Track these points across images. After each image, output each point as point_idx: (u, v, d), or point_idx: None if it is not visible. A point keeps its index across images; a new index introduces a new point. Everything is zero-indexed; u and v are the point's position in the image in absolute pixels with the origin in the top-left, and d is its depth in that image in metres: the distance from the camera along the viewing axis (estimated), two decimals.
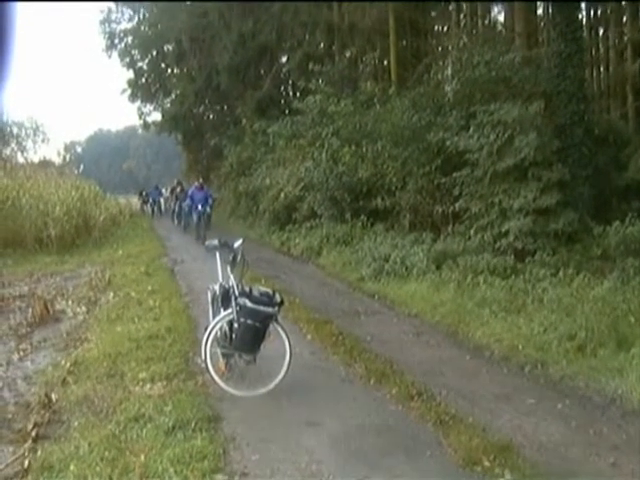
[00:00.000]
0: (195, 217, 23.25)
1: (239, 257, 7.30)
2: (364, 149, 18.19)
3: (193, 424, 5.68)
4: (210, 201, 23.24)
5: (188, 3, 37.99)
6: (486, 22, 27.00)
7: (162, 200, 43.51)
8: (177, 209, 31.07)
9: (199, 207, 22.62)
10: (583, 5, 22.03)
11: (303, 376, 7.15)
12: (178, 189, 31.62)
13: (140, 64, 46.55)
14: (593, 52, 25.87)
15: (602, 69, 26.11)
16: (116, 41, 45.76)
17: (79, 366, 7.96)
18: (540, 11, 22.21)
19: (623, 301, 8.80)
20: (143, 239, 25.66)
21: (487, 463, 4.87)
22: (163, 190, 44.74)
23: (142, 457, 5.03)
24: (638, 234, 11.15)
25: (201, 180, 25.45)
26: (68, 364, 8.04)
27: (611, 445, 5.34)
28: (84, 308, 12.02)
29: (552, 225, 12.52)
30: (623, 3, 23.04)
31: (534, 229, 12.43)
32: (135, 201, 49.57)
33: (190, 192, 24.05)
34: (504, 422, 5.82)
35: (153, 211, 42.71)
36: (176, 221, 31.17)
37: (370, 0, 25.56)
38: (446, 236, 14.51)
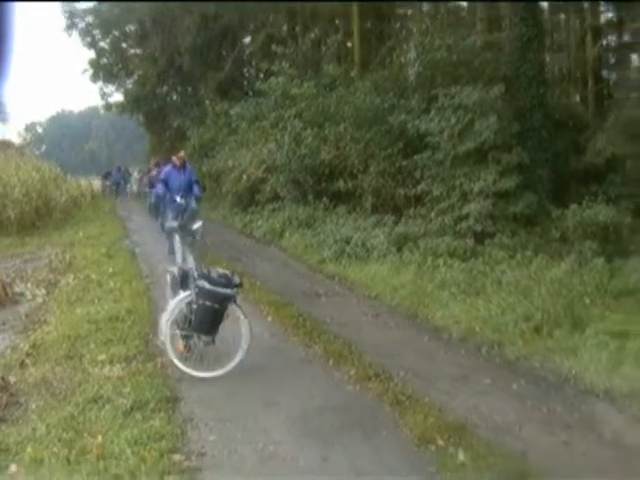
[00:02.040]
0: (170, 216, 13.64)
1: (198, 239, 7.31)
2: (327, 131, 18.19)
3: (151, 405, 5.71)
4: (197, 190, 14.42)
5: None
6: (451, 5, 27.06)
7: (127, 183, 43.33)
8: (154, 199, 20.92)
9: (178, 199, 13.74)
10: None
11: (262, 357, 7.18)
12: (155, 172, 23.40)
13: (101, 44, 45.83)
14: (555, 36, 26.05)
15: (560, 54, 26.30)
16: (77, 20, 45.07)
17: (38, 348, 7.94)
18: None
19: (579, 283, 8.94)
20: (104, 221, 25.45)
21: (441, 442, 4.95)
22: (135, 173, 44.17)
23: (100, 438, 5.05)
24: (595, 217, 11.30)
25: (182, 153, 15.60)
26: (27, 346, 8.01)
27: (564, 424, 5.45)
28: (43, 290, 11.95)
29: (511, 208, 12.63)
30: None
31: (494, 212, 12.54)
32: (97, 183, 49.11)
33: (164, 174, 14.56)
34: (460, 402, 5.90)
35: (117, 193, 42.12)
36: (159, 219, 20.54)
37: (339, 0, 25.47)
38: (407, 219, 14.55)
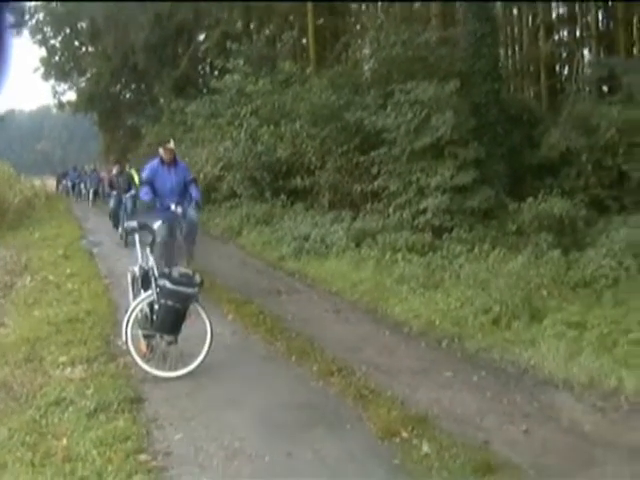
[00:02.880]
0: (164, 232, 9.86)
1: (159, 238, 7.31)
2: (283, 128, 18.22)
3: (115, 406, 5.68)
4: (196, 193, 10.46)
5: None
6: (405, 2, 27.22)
7: (83, 183, 40.20)
8: (113, 204, 18.57)
9: (172, 206, 10.07)
10: None
11: (225, 356, 7.19)
12: (115, 170, 18.85)
13: (53, 41, 45.32)
14: (508, 32, 26.36)
15: (517, 49, 26.63)
16: (26, 17, 44.47)
17: None
18: None
19: (536, 275, 9.10)
20: (60, 221, 25.22)
21: (405, 434, 5.01)
22: (103, 174, 37.77)
23: (64, 440, 5.02)
24: (550, 210, 11.47)
25: (171, 143, 11.24)
26: None
27: (524, 413, 5.54)
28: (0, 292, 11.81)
29: (469, 202, 12.77)
30: None
31: (451, 206, 12.66)
32: (51, 183, 48.58)
33: (148, 171, 10.49)
34: (422, 395, 5.97)
35: (74, 194, 41.45)
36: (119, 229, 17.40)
37: (297, 0, 25.49)
38: (365, 214, 14.65)
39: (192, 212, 10.48)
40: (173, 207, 9.96)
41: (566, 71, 23.82)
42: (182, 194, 10.41)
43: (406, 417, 5.33)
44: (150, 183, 10.28)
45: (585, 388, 5.95)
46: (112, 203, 18.42)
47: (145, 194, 10.27)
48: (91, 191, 34.40)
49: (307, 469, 4.59)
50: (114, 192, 18.00)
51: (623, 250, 9.57)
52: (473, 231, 12.32)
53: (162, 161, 10.41)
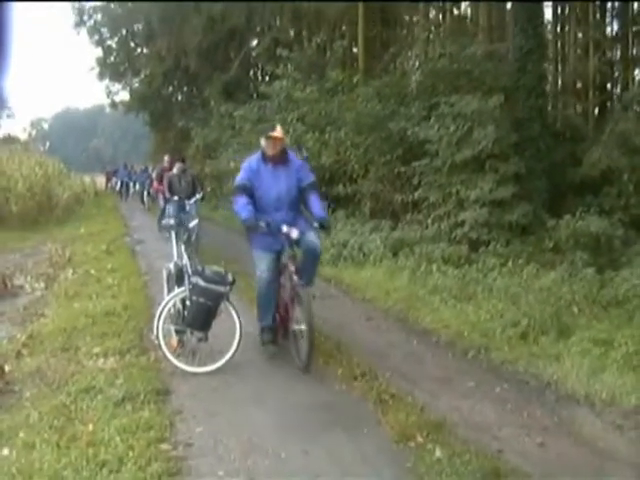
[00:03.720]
0: (266, 270, 7.47)
1: (194, 237, 7.51)
2: (327, 136, 18.37)
3: (142, 397, 5.86)
4: (318, 206, 7.37)
5: None
6: (455, 14, 27.25)
7: (132, 182, 40.41)
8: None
9: (283, 228, 7.05)
10: (547, 2, 22.40)
11: (254, 355, 7.36)
12: (175, 170, 15.28)
13: (109, 42, 46.13)
14: (558, 48, 26.23)
15: (566, 65, 26.47)
16: (85, 18, 45.32)
17: (34, 340, 8.14)
18: (509, 5, 22.44)
19: (568, 292, 9.10)
20: (106, 218, 25.74)
21: (420, 439, 5.10)
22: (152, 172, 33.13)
23: (90, 426, 5.22)
24: (587, 228, 11.44)
25: (278, 129, 7.50)
26: (23, 337, 8.21)
27: (542, 427, 5.59)
28: (43, 284, 12.15)
29: (507, 217, 12.79)
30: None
31: (489, 220, 12.70)
32: (101, 180, 49.36)
33: (245, 172, 7.33)
34: (442, 403, 6.05)
35: (121, 193, 40.80)
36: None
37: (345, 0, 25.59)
38: (404, 224, 14.75)
39: (312, 236, 7.24)
40: (285, 229, 6.92)
41: (618, 90, 23.62)
42: (295, 206, 7.45)
43: (423, 423, 5.42)
44: (247, 189, 7.17)
45: (606, 405, 5.97)
46: (170, 210, 14.47)
47: (242, 208, 6.98)
48: (145, 193, 30.61)
49: (320, 467, 4.71)
50: (174, 197, 14.35)
51: None
52: (510, 246, 12.33)
53: (264, 157, 7.27)
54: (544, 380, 6.69)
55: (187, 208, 14.35)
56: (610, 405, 5.97)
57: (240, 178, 7.35)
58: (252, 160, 7.43)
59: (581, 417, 5.82)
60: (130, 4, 41.34)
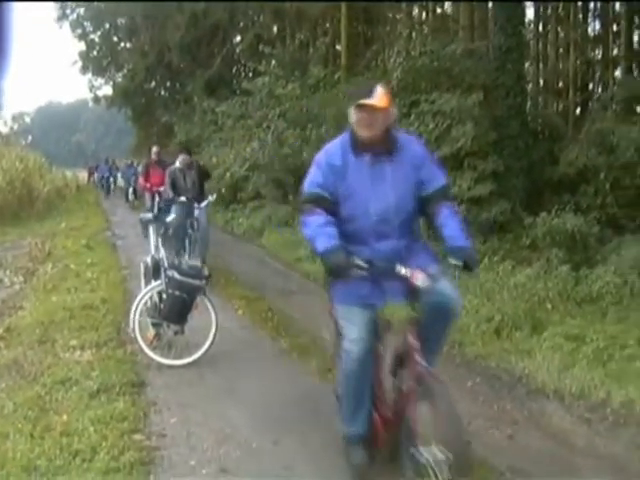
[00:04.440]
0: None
1: (171, 231, 7.57)
2: (309, 132, 18.43)
3: (117, 389, 5.92)
4: (456, 228, 4.11)
5: None
6: (438, 12, 27.38)
7: (113, 178, 39.86)
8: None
9: (400, 269, 3.94)
10: (529, 2, 22.59)
11: (230, 348, 7.42)
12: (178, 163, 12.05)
13: (92, 36, 46.03)
14: (540, 48, 26.41)
15: (548, 64, 26.66)
16: (68, 11, 45.17)
17: (11, 332, 8.18)
18: (490, 4, 22.61)
19: (543, 289, 9.20)
20: (87, 213, 25.70)
21: None
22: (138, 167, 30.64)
23: (64, 417, 5.28)
24: (562, 225, 11.53)
25: (378, 91, 3.96)
26: (0, 330, 8.22)
27: (511, 420, 5.68)
28: (22, 278, 12.16)
29: (484, 214, 12.89)
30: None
31: (467, 217, 12.77)
32: (84, 175, 49.23)
33: (321, 170, 4.26)
34: None
35: (102, 187, 39.95)
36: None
37: (330, 0, 25.64)
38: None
39: (445, 284, 4.10)
40: (403, 271, 3.98)
41: (600, 89, 23.82)
42: (410, 229, 4.43)
43: None
44: (325, 202, 4.26)
45: (575, 399, 6.07)
46: (175, 215, 10.36)
47: (318, 234, 4.10)
48: (130, 190, 28.99)
49: (290, 455, 4.79)
50: (181, 198, 11.27)
51: (631, 267, 9.66)
52: (487, 243, 12.44)
53: (356, 144, 4.26)
54: (515, 375, 6.79)
55: (196, 213, 11.13)
56: (579, 399, 6.07)
57: (311, 183, 4.41)
58: (332, 149, 4.42)
59: (550, 410, 5.92)
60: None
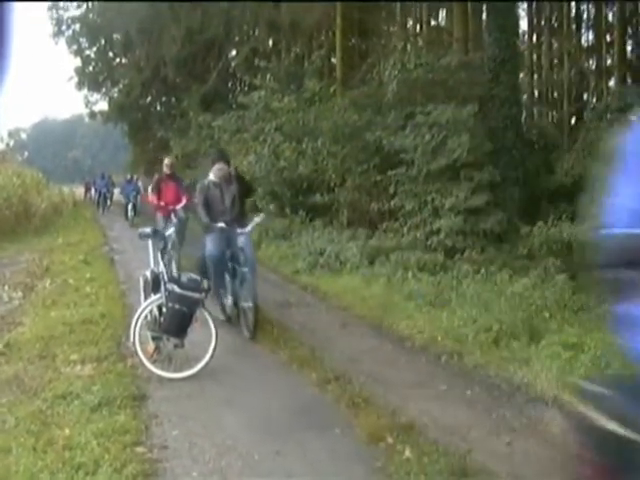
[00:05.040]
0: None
1: (170, 245, 7.61)
2: (305, 145, 18.50)
3: (118, 402, 5.95)
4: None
5: None
6: (432, 24, 27.53)
7: (108, 194, 37.58)
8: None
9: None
10: (523, 14, 22.76)
11: (229, 361, 7.47)
12: (212, 176, 9.36)
13: (88, 52, 46.13)
14: (534, 59, 26.58)
15: (542, 75, 26.82)
16: (64, 28, 45.30)
17: (11, 348, 8.18)
18: (485, 16, 22.75)
19: (540, 298, 9.26)
20: (85, 228, 25.73)
21: (390, 440, 5.22)
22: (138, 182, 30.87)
23: (66, 430, 5.31)
24: (559, 235, 11.62)
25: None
26: (0, 346, 8.23)
27: (510, 427, 5.72)
28: (20, 293, 12.16)
29: (481, 224, 12.95)
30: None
31: (464, 228, 12.86)
32: (80, 191, 49.27)
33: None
34: (413, 406, 6.16)
35: (99, 204, 37.88)
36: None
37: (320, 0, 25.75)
38: (381, 233, 14.90)
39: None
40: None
41: (594, 99, 23.97)
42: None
43: (394, 425, 5.53)
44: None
45: (574, 406, 6.11)
46: (211, 246, 9.03)
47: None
48: (130, 207, 27.11)
49: (292, 467, 4.82)
50: (218, 224, 8.83)
51: None
52: (485, 253, 12.50)
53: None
54: (514, 383, 6.82)
55: (240, 242, 8.82)
56: (578, 406, 6.10)
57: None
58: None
59: (549, 418, 5.95)
60: (108, 14, 41.35)
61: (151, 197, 13.46)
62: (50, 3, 45.27)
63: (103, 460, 4.77)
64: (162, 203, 13.21)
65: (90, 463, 4.73)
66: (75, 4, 45.07)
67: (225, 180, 9.19)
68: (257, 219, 9.46)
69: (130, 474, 4.58)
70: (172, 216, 12.89)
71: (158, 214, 13.54)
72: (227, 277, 9.14)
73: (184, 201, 13.21)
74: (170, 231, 8.01)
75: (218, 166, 9.24)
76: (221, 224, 8.77)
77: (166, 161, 13.99)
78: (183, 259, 11.06)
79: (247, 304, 8.53)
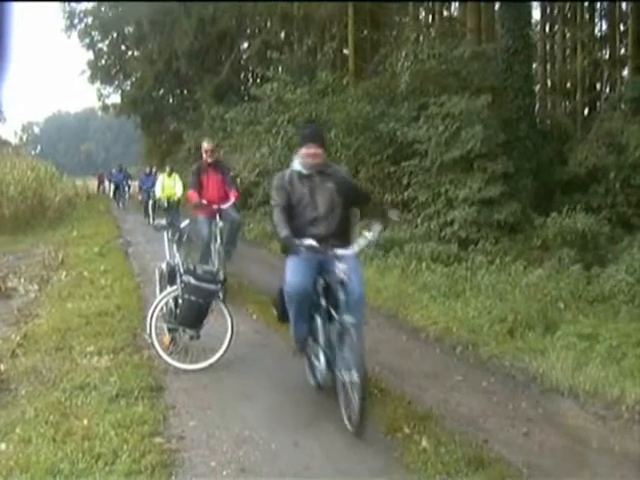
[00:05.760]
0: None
1: (185, 237, 7.64)
2: None
3: (136, 393, 5.99)
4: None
5: None
6: (445, 15, 27.44)
7: (127, 187, 35.02)
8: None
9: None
10: (535, 4, 22.65)
11: (245, 352, 7.49)
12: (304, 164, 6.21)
13: (100, 45, 46.33)
14: (547, 49, 26.46)
15: (556, 65, 26.69)
16: (76, 21, 45.42)
17: (29, 340, 8.24)
18: (497, 6, 22.68)
19: (555, 288, 9.26)
20: (99, 221, 25.80)
21: (407, 430, 5.23)
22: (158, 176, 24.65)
23: (85, 421, 5.34)
24: (573, 225, 11.58)
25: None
26: (18, 338, 8.29)
27: (526, 418, 5.73)
28: (36, 286, 12.24)
29: (495, 215, 12.95)
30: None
31: (478, 219, 12.86)
32: (93, 183, 49.40)
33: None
34: (430, 396, 6.19)
35: (116, 197, 35.44)
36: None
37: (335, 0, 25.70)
38: (395, 224, 14.88)
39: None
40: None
41: (608, 89, 23.84)
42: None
43: (410, 415, 5.55)
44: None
45: (589, 396, 6.12)
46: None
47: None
48: (150, 203, 23.31)
49: (310, 457, 4.85)
50: (308, 241, 5.80)
51: None
52: (499, 244, 12.50)
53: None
54: (530, 374, 6.84)
55: (339, 270, 5.68)
56: (593, 396, 6.12)
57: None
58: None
59: (565, 408, 5.98)
60: (120, 7, 41.44)
61: (191, 193, 10.45)
62: None
63: (122, 450, 4.81)
64: (204, 201, 10.33)
65: (109, 453, 4.77)
66: None
67: (319, 172, 6.18)
68: (369, 235, 6.11)
69: (149, 464, 4.61)
70: (218, 218, 10.38)
71: (200, 216, 10.53)
72: (319, 321, 6.05)
73: (232, 198, 10.54)
74: (185, 223, 8.01)
75: (308, 149, 6.10)
76: (310, 241, 5.82)
77: (205, 145, 10.83)
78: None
79: (349, 375, 5.39)
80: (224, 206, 10.33)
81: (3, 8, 1.53)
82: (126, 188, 35.02)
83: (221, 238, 10.30)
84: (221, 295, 7.17)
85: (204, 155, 10.63)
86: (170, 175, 19.52)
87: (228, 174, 11.01)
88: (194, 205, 10.48)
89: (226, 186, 10.62)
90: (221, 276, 7.08)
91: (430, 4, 26.23)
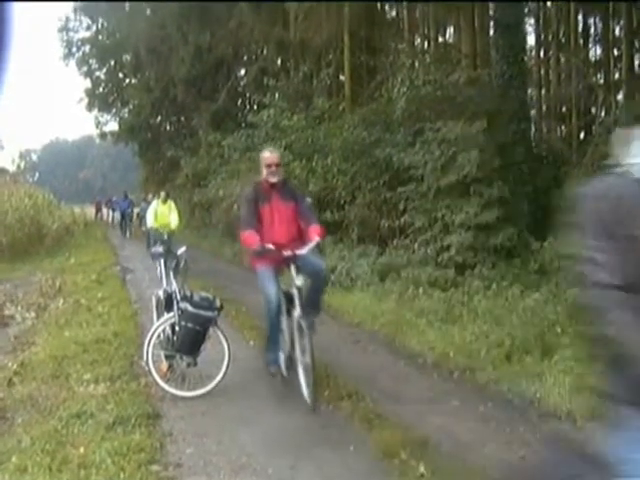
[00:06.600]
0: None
1: (182, 264, 7.65)
2: (315, 163, 18.54)
3: (133, 421, 5.99)
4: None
5: (147, 13, 38.19)
6: (440, 41, 27.64)
7: (133, 215, 34.26)
8: None
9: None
10: (530, 29, 22.84)
11: (243, 378, 7.49)
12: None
13: (98, 73, 46.72)
14: (542, 74, 26.63)
15: (550, 89, 26.87)
16: (74, 49, 45.81)
17: (25, 367, 8.25)
18: (492, 32, 22.87)
19: (552, 312, 9.24)
20: (96, 248, 25.84)
21: (404, 456, 5.22)
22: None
23: (81, 449, 5.34)
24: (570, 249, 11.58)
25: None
26: (15, 366, 8.30)
27: (524, 442, 5.71)
28: (33, 314, 12.25)
29: (492, 240, 12.92)
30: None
31: (475, 244, 12.85)
32: (91, 211, 49.50)
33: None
34: (427, 422, 6.17)
35: (122, 226, 34.57)
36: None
37: (331, 0, 25.78)
38: (392, 249, 14.90)
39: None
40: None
41: (603, 113, 23.99)
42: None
43: (408, 441, 5.53)
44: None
45: (587, 420, 6.11)
46: None
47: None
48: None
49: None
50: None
51: None
52: (495, 269, 12.47)
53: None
54: (527, 398, 6.82)
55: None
56: (591, 420, 6.10)
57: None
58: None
59: (562, 432, 5.95)
60: (117, 35, 41.76)
61: (248, 235, 7.00)
62: (60, 25, 45.76)
63: (118, 478, 4.82)
64: (270, 245, 6.97)
65: None
66: (85, 25, 45.59)
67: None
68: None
69: None
70: (293, 269, 6.98)
71: (261, 268, 7.29)
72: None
73: (315, 236, 7.01)
74: (182, 250, 8.03)
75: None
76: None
77: (267, 155, 7.37)
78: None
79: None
80: (301, 251, 6.92)
81: (3, 8, 1.54)
82: (132, 216, 34.25)
83: (300, 301, 6.91)
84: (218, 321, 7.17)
85: (264, 172, 7.28)
86: (165, 202, 17.60)
87: (303, 200, 7.55)
88: (254, 252, 7.04)
89: (302, 219, 7.32)
90: (217, 303, 7.07)
91: (426, 30, 26.42)
